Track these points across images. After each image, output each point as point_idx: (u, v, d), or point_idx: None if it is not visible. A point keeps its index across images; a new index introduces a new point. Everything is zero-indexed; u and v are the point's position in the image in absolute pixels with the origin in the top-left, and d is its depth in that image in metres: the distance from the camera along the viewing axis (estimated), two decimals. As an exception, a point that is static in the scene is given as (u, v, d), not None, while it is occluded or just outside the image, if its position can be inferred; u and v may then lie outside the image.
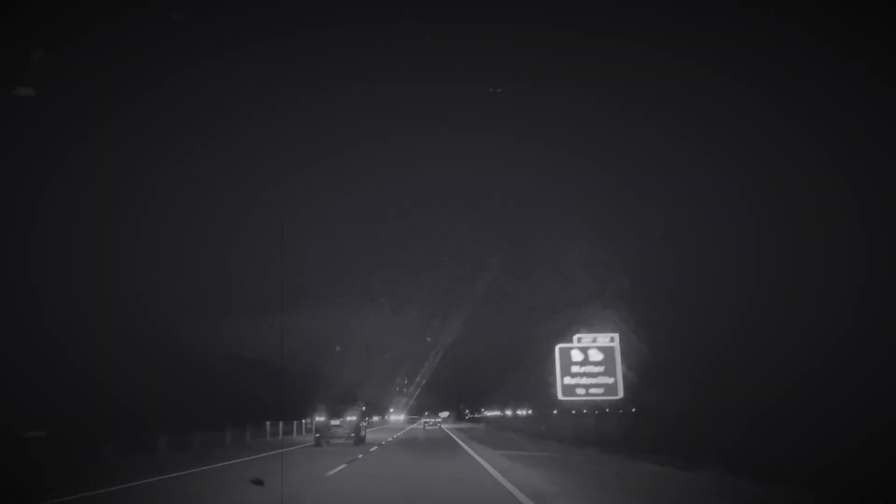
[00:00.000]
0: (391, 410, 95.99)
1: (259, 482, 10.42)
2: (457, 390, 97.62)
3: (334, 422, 28.70)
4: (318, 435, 28.32)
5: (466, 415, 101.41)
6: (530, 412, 58.00)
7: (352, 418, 29.18)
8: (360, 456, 20.01)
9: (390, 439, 34.36)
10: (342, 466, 15.94)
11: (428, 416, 79.27)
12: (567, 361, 22.32)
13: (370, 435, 36.62)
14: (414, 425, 71.98)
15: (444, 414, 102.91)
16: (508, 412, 67.49)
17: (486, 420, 78.49)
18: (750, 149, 22.78)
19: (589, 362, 22.18)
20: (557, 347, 22.61)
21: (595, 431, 22.44)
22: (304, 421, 41.60)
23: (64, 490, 11.10)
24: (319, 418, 29.18)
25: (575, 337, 22.49)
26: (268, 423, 34.60)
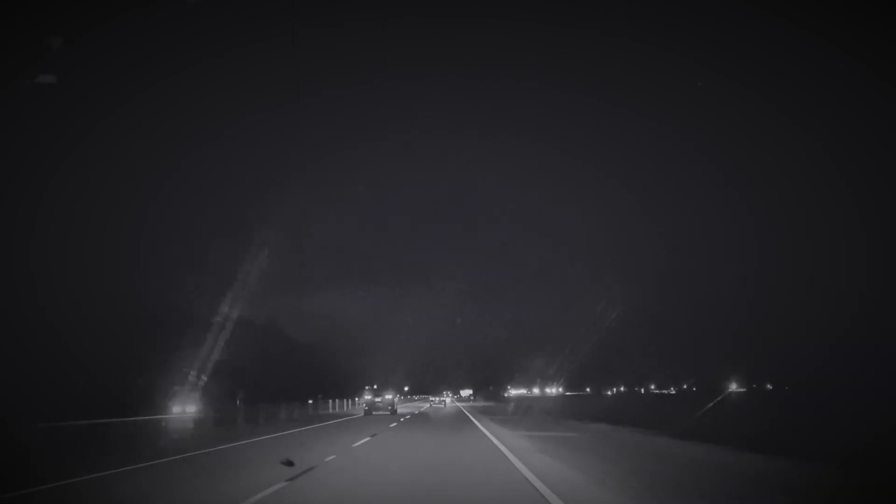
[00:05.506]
0: (407, 391, 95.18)
1: (290, 463, 10.89)
2: (485, 369, 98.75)
3: (378, 399, 41.77)
4: (366, 408, 41.21)
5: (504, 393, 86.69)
6: (559, 390, 63.93)
7: (389, 396, 42.38)
8: (396, 424, 32.23)
9: (416, 413, 46.88)
10: (395, 424, 28.24)
11: (446, 395, 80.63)
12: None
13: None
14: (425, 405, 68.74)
15: (467, 392, 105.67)
16: (536, 390, 70.13)
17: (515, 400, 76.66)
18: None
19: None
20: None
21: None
22: (349, 399, 54.91)
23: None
24: (367, 396, 42.38)
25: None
26: (329, 400, 47.56)
